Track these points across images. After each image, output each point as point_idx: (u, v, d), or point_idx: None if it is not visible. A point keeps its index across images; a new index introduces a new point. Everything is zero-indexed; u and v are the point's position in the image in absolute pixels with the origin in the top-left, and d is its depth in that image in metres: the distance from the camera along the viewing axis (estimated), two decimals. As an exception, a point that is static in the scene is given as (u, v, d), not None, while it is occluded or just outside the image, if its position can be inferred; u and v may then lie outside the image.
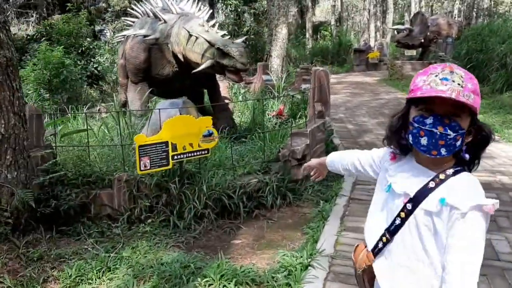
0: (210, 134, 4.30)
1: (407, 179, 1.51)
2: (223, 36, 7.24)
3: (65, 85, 12.25)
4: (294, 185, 4.85)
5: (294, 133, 5.12)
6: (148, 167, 3.99)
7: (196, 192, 4.24)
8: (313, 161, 2.25)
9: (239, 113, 8.83)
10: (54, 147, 4.59)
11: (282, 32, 11.38)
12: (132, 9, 8.44)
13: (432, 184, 1.43)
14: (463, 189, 1.38)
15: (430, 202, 1.41)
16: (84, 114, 6.66)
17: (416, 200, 1.45)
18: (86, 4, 19.30)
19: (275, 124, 7.83)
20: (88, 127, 7.59)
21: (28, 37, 17.50)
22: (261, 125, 7.67)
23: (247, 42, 17.94)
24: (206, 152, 4.32)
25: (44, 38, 15.52)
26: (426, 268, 1.45)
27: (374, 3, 31.01)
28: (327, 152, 6.12)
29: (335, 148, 6.41)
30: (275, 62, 11.34)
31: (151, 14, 7.62)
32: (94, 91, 15.89)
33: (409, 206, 1.46)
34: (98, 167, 4.41)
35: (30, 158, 4.05)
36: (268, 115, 8.07)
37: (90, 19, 20.17)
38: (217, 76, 8.05)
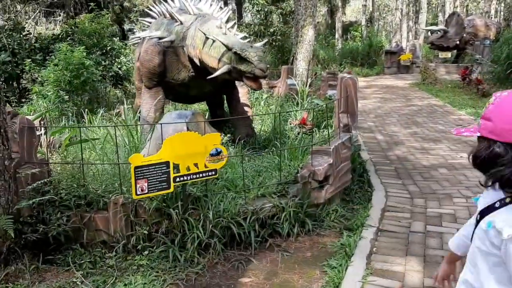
0: (218, 153, 3.77)
1: (487, 195, 1.55)
2: (243, 38, 6.73)
3: (86, 86, 11.97)
4: (314, 210, 4.27)
5: (316, 151, 4.54)
6: (146, 191, 3.49)
7: (201, 219, 3.72)
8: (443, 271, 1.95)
9: (260, 120, 8.29)
10: (48, 163, 4.16)
11: (308, 34, 10.77)
12: (150, 9, 8.02)
13: (497, 204, 1.48)
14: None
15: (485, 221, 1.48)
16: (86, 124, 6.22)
17: (481, 215, 1.53)
18: (112, 4, 19.12)
19: (298, 133, 7.26)
20: (95, 137, 7.22)
21: (54, 36, 17.40)
22: (282, 134, 7.13)
23: (273, 44, 17.37)
24: (213, 173, 3.80)
25: (69, 38, 15.39)
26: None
27: (406, 2, 29.96)
28: (353, 171, 5.54)
29: (362, 164, 5.79)
30: (301, 65, 10.74)
31: (167, 15, 7.17)
32: (119, 91, 15.67)
33: (478, 218, 1.54)
34: (92, 187, 3.95)
35: (16, 178, 3.62)
36: (290, 124, 7.51)
37: (116, 18, 20.06)
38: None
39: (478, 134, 1.49)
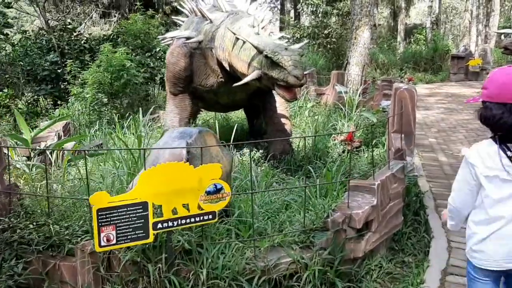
0: (218, 190, 2.82)
1: None
2: (281, 40, 5.75)
3: (126, 88, 11.43)
4: (349, 268, 3.20)
5: (355, 186, 3.47)
6: (114, 241, 2.60)
7: (191, 279, 2.78)
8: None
9: (301, 133, 7.26)
10: (10, 192, 3.37)
11: (364, 36, 9.59)
12: (182, 6, 7.23)
13: None
14: None
15: None
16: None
17: None
18: (162, 4, 18.74)
19: (342, 152, 6.17)
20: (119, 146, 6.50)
21: (105, 37, 17.20)
22: (323, 153, 6.07)
23: (328, 47, 16.20)
24: (211, 217, 2.85)
25: (113, 39, 15.09)
26: None
27: (477, 4, 27.65)
28: (407, 206, 4.39)
29: (419, 197, 4.62)
30: (353, 70, 9.58)
31: (198, 13, 6.33)
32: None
33: None
34: (61, 226, 3.11)
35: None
36: (335, 140, 6.43)
37: (165, 19, 19.67)
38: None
39: (481, 100, 2.12)
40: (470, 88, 15.58)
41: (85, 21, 22.06)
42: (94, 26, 22.81)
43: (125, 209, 2.58)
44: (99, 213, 2.52)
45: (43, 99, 14.14)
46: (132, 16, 14.35)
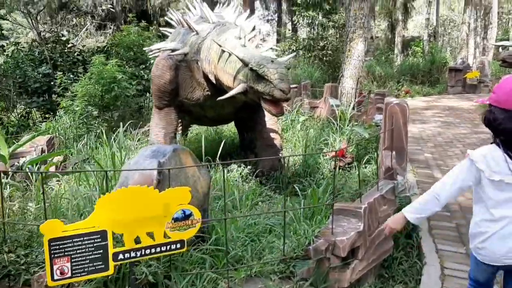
0: (186, 217, 2.57)
1: None
2: (270, 51, 5.56)
3: (117, 101, 11.23)
4: (333, 300, 2.95)
5: (340, 210, 3.22)
6: (69, 275, 2.34)
7: (156, 315, 2.53)
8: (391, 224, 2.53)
9: (292, 148, 7.02)
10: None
11: (357, 48, 9.41)
12: (170, 18, 7.04)
13: None
14: None
15: None
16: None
17: None
18: (157, 16, 18.63)
19: (333, 169, 5.93)
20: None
21: (99, 49, 17.05)
22: (313, 169, 5.83)
23: (324, 59, 16.04)
24: (179, 246, 2.59)
25: (105, 51, 14.95)
26: None
27: (474, 17, 27.61)
28: (399, 232, 4.12)
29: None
30: (348, 83, 9.38)
31: (185, 24, 6.13)
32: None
33: None
34: (17, 254, 2.85)
35: None
36: (325, 155, 6.19)
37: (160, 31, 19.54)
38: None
39: (488, 102, 2.24)
40: (468, 101, 15.38)
41: (80, 33, 21.95)
42: (89, 38, 22.71)
43: (81, 238, 2.33)
44: (52, 244, 2.27)
45: (35, 112, 13.95)
46: (125, 27, 14.21)
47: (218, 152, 6.94)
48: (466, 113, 12.51)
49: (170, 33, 7.01)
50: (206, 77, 5.56)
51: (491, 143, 2.24)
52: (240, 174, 6.11)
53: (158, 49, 6.25)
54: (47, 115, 12.65)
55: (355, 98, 9.26)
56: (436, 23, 31.29)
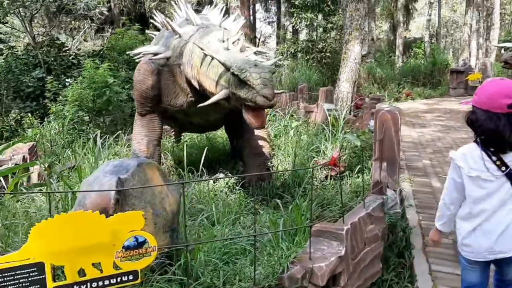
0: (139, 244, 2.27)
1: None
2: (259, 55, 5.28)
3: (109, 106, 10.95)
4: (310, 333, 2.64)
5: (319, 231, 2.91)
6: (-1, 314, 2.05)
7: None
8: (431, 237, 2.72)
9: (283, 155, 6.71)
10: None
11: (354, 50, 9.08)
12: (154, 19, 6.76)
13: None
14: None
15: None
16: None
17: None
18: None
19: (324, 178, 5.61)
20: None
21: (95, 52, 16.80)
22: (302, 179, 5.51)
23: (323, 61, 15.72)
24: (131, 277, 2.29)
25: (106, 54, 14.69)
26: None
27: (477, 18, 27.24)
28: (389, 247, 3.82)
29: (405, 232, 4.06)
30: (344, 87, 9.06)
31: (168, 26, 5.83)
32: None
33: None
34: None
35: None
36: (317, 164, 5.88)
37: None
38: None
39: (471, 104, 2.42)
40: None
41: (77, 36, 21.72)
42: (87, 41, 22.48)
43: (13, 272, 2.03)
44: (-24, 279, 1.98)
45: (31, 117, 13.71)
46: (118, 31, 13.95)
47: (207, 160, 6.68)
48: (467, 116, 12.14)
49: (155, 35, 6.74)
50: (189, 82, 5.27)
51: (473, 142, 2.43)
52: (226, 184, 5.82)
53: (141, 53, 5.96)
54: (41, 120, 12.37)
55: (352, 102, 8.94)
56: (438, 25, 30.95)
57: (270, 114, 8.58)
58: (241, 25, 5.77)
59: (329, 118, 6.92)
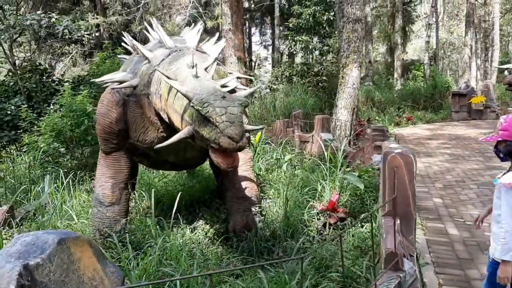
0: None
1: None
2: (237, 82, 4.47)
3: (88, 136, 10.08)
4: None
5: None
6: None
7: None
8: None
9: (273, 196, 5.82)
10: None
11: (352, 75, 8.29)
12: (124, 42, 5.96)
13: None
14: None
15: None
16: None
17: None
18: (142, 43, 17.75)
19: (322, 227, 4.72)
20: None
21: (80, 78, 16.04)
22: (296, 229, 4.63)
23: (319, 85, 14.97)
24: None
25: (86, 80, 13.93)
26: None
27: (475, 39, 26.79)
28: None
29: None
30: (342, 114, 8.24)
31: (138, 50, 5.01)
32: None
33: None
34: None
35: None
36: (313, 209, 4.99)
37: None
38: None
39: (500, 139, 2.73)
40: (475, 128, 14.25)
41: (65, 61, 21.03)
42: (75, 67, 21.79)
43: None
44: None
45: (10, 146, 12.85)
46: (100, 55, 13.21)
47: (189, 200, 5.81)
48: (474, 143, 11.33)
49: (126, 59, 5.94)
50: (159, 115, 4.43)
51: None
52: (206, 234, 4.93)
53: (105, 81, 5.12)
54: (20, 151, 11.49)
55: (351, 131, 8.10)
56: (436, 46, 30.49)
57: (261, 145, 7.72)
58: (221, 48, 4.96)
59: (324, 150, 6.06)
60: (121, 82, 4.72)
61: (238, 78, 5.03)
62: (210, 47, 5.08)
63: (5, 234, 5.87)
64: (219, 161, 3.27)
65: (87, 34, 13.55)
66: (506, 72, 17.93)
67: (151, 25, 5.80)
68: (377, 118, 15.95)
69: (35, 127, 10.48)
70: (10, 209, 6.60)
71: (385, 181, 3.13)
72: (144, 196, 6.65)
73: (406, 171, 3.03)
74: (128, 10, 19.10)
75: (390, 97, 19.69)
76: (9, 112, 12.82)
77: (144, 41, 18.85)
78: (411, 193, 3.06)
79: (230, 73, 5.05)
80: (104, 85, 6.11)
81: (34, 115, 10.81)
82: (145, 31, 6.17)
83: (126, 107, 4.75)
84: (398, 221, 2.97)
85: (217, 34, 5.89)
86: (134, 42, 4.94)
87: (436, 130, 14.19)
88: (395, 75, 23.47)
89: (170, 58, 4.44)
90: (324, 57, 16.29)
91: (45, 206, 6.94)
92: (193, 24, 5.83)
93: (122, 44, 6.10)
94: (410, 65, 29.20)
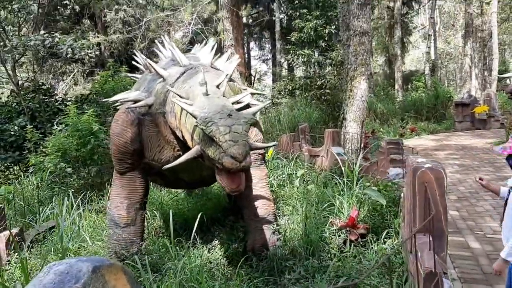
0: None
1: None
2: (266, 97, 4.43)
3: (94, 155, 10.01)
4: None
5: None
6: None
7: None
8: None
9: (290, 213, 5.74)
10: None
11: (360, 87, 8.28)
12: (135, 60, 5.93)
13: None
14: None
15: None
16: None
17: None
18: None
19: (343, 244, 4.62)
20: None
21: (83, 97, 16.03)
22: (317, 247, 4.54)
23: (322, 98, 14.95)
24: None
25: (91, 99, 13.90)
26: None
27: (473, 49, 26.90)
28: None
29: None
30: (351, 127, 8.20)
31: (151, 69, 4.98)
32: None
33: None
34: None
35: None
36: (333, 225, 4.91)
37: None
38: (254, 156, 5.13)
39: None
40: (480, 138, 14.21)
41: (66, 80, 21.04)
42: (77, 85, 21.79)
43: None
44: None
45: (13, 168, 12.76)
46: (103, 73, 13.21)
47: (202, 218, 5.71)
48: (482, 153, 11.29)
49: (138, 78, 5.90)
50: (175, 133, 4.37)
51: None
52: (225, 253, 4.83)
53: (120, 100, 5.07)
54: (25, 172, 11.42)
55: (361, 144, 8.04)
56: (435, 57, 30.64)
57: (271, 161, 7.66)
58: (236, 64, 4.93)
59: (341, 165, 5.98)
60: (135, 101, 4.67)
61: (252, 94, 4.99)
62: (224, 64, 5.05)
63: (16, 258, 5.77)
64: (224, 184, 3.23)
65: (90, 53, 13.52)
66: (508, 81, 18.00)
67: (161, 43, 5.79)
68: (381, 130, 15.90)
69: (41, 147, 10.42)
70: (20, 231, 6.51)
71: (415, 196, 3.06)
72: (156, 216, 6.57)
73: (436, 186, 2.97)
74: (129, 28, 19.16)
75: (392, 109, 19.68)
76: (12, 133, 12.77)
77: (149, 58, 18.91)
78: (443, 208, 2.99)
79: (244, 89, 5.00)
80: (116, 105, 6.08)
81: (40, 135, 10.75)
82: (155, 49, 6.15)
83: (141, 127, 4.70)
84: (431, 239, 2.89)
85: (220, 49, 5.86)
86: (148, 60, 4.89)
87: (442, 141, 14.13)
88: (396, 86, 23.51)
89: (185, 76, 4.40)
90: (324, 70, 16.31)
91: (55, 228, 6.87)
92: (196, 39, 5.82)
93: (133, 62, 6.07)
94: (409, 76, 29.32)
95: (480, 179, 3.28)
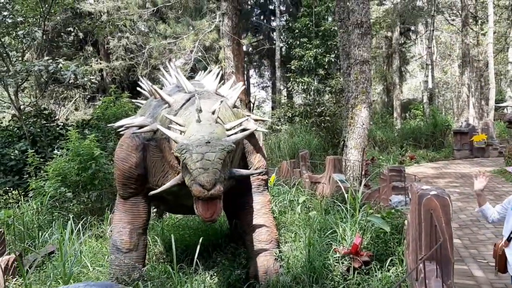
0: None
1: None
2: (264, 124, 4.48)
3: (94, 180, 10.01)
4: None
5: None
6: None
7: None
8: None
9: (289, 241, 5.72)
10: None
11: (361, 115, 8.37)
12: (141, 87, 6.01)
13: None
14: None
15: None
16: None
17: None
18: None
19: (347, 271, 4.60)
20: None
21: (84, 122, 16.10)
22: (320, 274, 4.51)
23: (322, 125, 15.06)
24: None
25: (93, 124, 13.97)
26: None
27: (470, 78, 27.25)
28: None
29: None
30: (352, 155, 8.24)
31: (156, 95, 5.05)
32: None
33: None
34: None
35: None
36: (336, 252, 4.89)
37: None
38: (256, 183, 5.16)
39: None
40: (479, 166, 14.23)
41: (68, 105, 21.18)
42: (78, 111, 21.91)
43: None
44: None
45: (13, 192, 12.72)
46: (106, 99, 13.33)
47: (203, 244, 5.67)
48: (482, 181, 11.26)
49: (142, 104, 5.97)
50: (178, 158, 4.40)
51: None
52: (227, 279, 4.80)
53: (124, 125, 5.12)
54: (25, 196, 11.39)
55: (361, 171, 8.07)
56: (432, 85, 31.00)
57: (272, 187, 7.66)
58: (240, 91, 5.01)
59: (344, 192, 6.00)
60: (141, 127, 4.72)
61: (255, 120, 5.05)
62: (228, 91, 5.12)
63: (14, 283, 5.71)
64: (198, 213, 3.26)
65: (92, 79, 13.67)
66: (506, 110, 18.17)
67: (166, 69, 5.88)
68: (380, 157, 15.95)
69: (41, 171, 10.41)
70: (19, 256, 6.45)
71: (420, 223, 3.07)
72: (157, 241, 6.54)
73: (442, 213, 2.99)
74: (132, 55, 19.42)
75: (391, 136, 19.77)
76: (13, 157, 12.78)
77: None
78: (448, 236, 3.00)
79: (248, 115, 5.06)
80: (118, 130, 6.13)
81: (41, 159, 10.76)
82: (160, 76, 6.24)
83: (145, 152, 4.73)
84: (438, 266, 2.89)
85: (221, 76, 5.95)
86: (154, 86, 4.97)
87: (441, 169, 14.16)
88: (395, 114, 23.71)
89: (189, 102, 4.46)
90: (323, 97, 16.50)
91: (54, 254, 6.82)
92: (197, 66, 5.92)
93: (135, 88, 6.15)
94: (407, 104, 29.58)
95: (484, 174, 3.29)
